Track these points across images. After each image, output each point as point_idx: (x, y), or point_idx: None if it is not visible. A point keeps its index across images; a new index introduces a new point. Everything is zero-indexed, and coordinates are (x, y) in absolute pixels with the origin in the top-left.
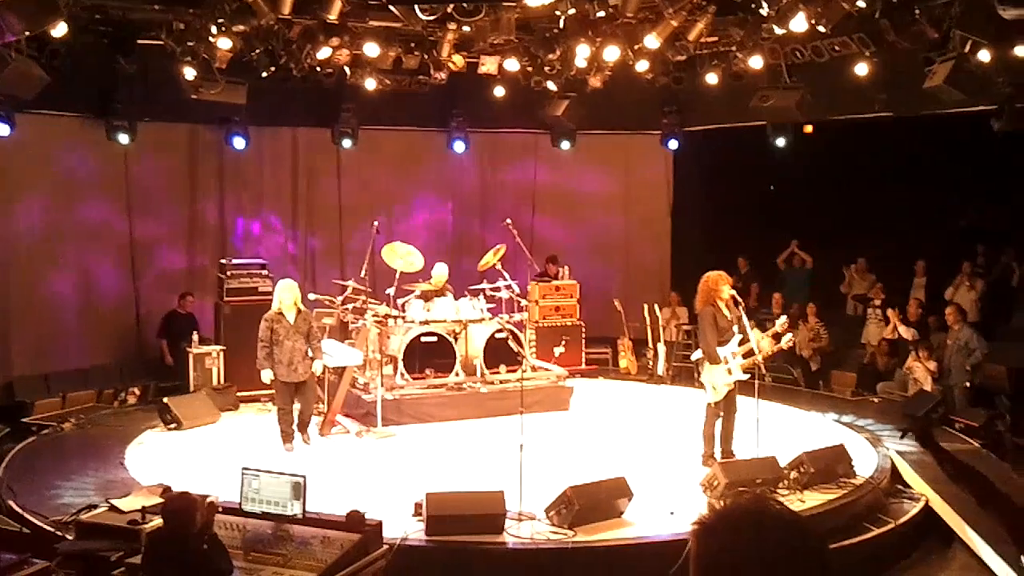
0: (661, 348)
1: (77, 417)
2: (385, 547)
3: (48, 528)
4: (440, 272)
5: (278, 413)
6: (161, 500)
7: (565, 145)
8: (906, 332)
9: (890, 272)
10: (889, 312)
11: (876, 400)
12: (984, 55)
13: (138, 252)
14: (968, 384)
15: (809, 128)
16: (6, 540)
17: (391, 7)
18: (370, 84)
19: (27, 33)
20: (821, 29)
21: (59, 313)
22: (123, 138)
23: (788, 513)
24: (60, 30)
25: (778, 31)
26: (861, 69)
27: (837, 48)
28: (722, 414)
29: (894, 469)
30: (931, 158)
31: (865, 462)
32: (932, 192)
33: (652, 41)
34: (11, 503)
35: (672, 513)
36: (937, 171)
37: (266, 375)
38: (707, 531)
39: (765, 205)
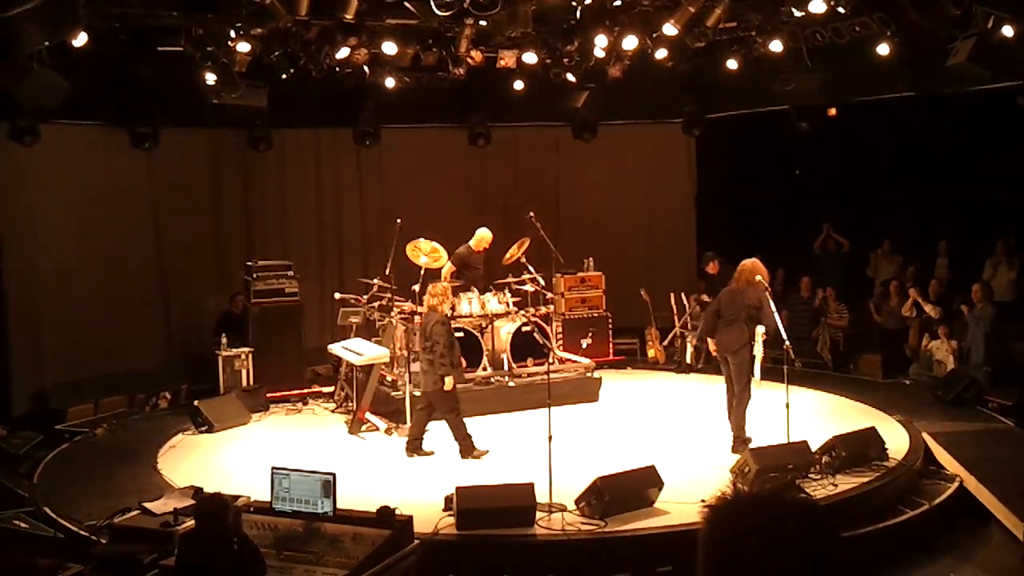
0: (689, 337)
1: (109, 422)
2: (416, 542)
3: (83, 532)
4: (483, 233)
5: (460, 419)
6: (193, 502)
7: (586, 136)
8: (932, 310)
9: (916, 254)
10: (911, 291)
11: (907, 382)
12: (1007, 30)
13: (165, 257)
14: (989, 368)
15: (833, 111)
16: (42, 545)
17: (407, 4)
18: (389, 83)
19: (47, 43)
20: (840, 10)
21: (89, 320)
22: (147, 145)
23: (800, 500)
24: (80, 40)
25: (797, 14)
26: (883, 49)
27: (857, 29)
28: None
29: (927, 450)
30: (956, 137)
31: (897, 444)
32: (958, 171)
33: (670, 28)
34: (46, 508)
35: (703, 501)
36: (962, 149)
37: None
38: (717, 516)
39: (790, 190)
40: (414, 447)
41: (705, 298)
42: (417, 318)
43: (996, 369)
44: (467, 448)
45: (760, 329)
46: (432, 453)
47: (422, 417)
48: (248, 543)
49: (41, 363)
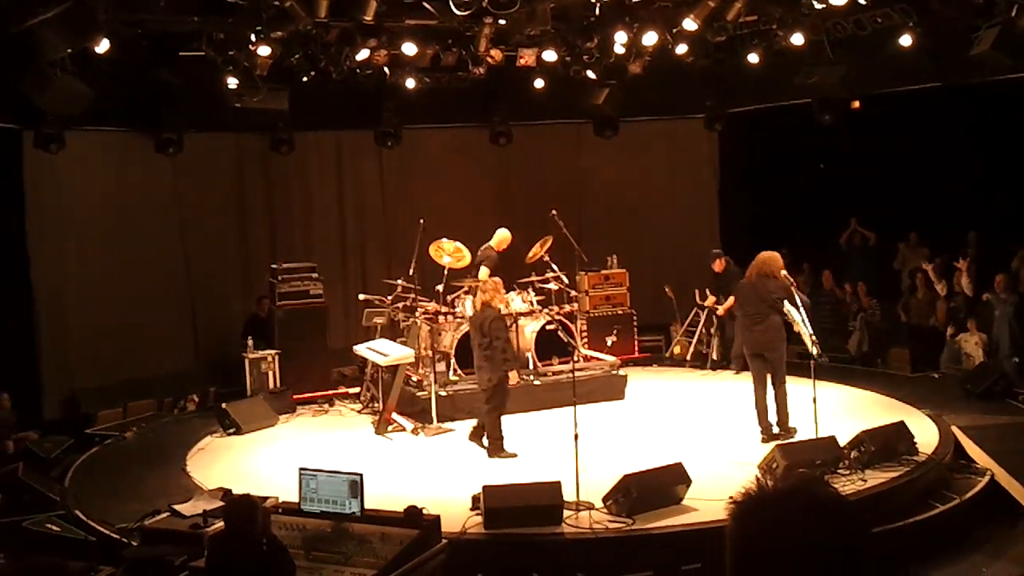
0: (714, 333)
1: (138, 426)
2: (444, 541)
3: (113, 535)
4: (505, 233)
5: (500, 419)
6: (222, 504)
7: (608, 133)
8: (967, 286)
9: (944, 246)
10: (959, 263)
11: (936, 376)
12: None
13: (191, 261)
14: (1017, 359)
15: (856, 103)
16: (73, 548)
17: (426, 4)
18: (410, 83)
19: (69, 51)
20: (862, 1)
21: (117, 325)
22: (171, 150)
23: (828, 495)
24: (103, 46)
25: (818, 6)
26: (905, 40)
27: (879, 20)
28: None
29: (957, 444)
30: (981, 126)
31: (927, 438)
32: (983, 161)
33: (690, 23)
34: (77, 512)
35: (731, 498)
36: (988, 139)
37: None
38: (744, 512)
39: (814, 184)
40: (496, 448)
41: (709, 298)
42: (441, 318)
43: None
44: (496, 448)
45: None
46: (516, 455)
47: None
48: (277, 544)
49: (71, 368)
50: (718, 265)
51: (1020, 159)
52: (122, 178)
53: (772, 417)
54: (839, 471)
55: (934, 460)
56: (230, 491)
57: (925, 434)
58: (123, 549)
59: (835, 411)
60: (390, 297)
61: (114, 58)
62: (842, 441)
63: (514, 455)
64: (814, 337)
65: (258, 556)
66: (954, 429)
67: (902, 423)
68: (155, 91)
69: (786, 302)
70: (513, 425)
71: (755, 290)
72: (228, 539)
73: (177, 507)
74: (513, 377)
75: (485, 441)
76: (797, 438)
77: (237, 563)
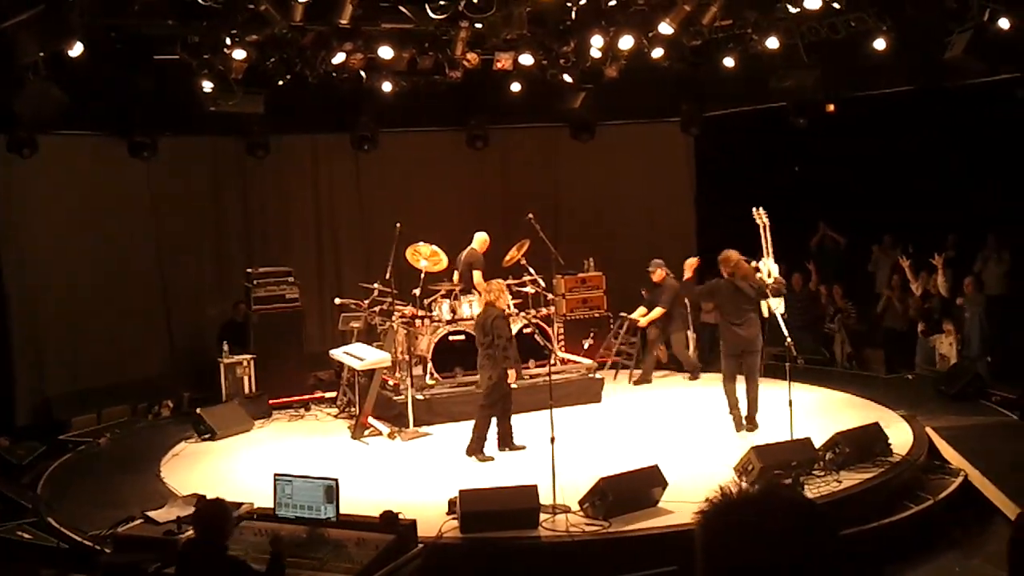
0: (691, 335)
1: (112, 432)
2: (420, 546)
3: (86, 542)
4: (484, 236)
5: (489, 420)
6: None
7: (584, 137)
8: (942, 285)
9: (919, 248)
10: (935, 259)
11: (910, 377)
12: (1004, 22)
13: (166, 266)
14: (989, 358)
15: (831, 107)
16: (46, 556)
17: (402, 8)
18: (386, 87)
19: (42, 54)
20: (836, 5)
21: (91, 330)
22: (145, 154)
23: (796, 498)
24: (77, 50)
25: (792, 10)
26: (879, 44)
27: (853, 23)
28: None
29: (931, 445)
30: (954, 129)
31: (901, 439)
32: (957, 165)
33: (666, 27)
34: (50, 519)
35: (708, 501)
36: (961, 142)
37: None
38: (712, 519)
39: (791, 187)
40: (476, 448)
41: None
42: (418, 322)
43: (998, 362)
44: (476, 448)
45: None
46: (524, 447)
47: (501, 416)
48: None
49: (44, 373)
50: (659, 276)
51: (993, 162)
52: (96, 182)
53: (743, 410)
54: (814, 472)
55: (908, 461)
56: (204, 496)
57: (899, 435)
58: (96, 556)
59: (810, 412)
60: (367, 301)
61: (88, 62)
62: (817, 443)
63: (491, 458)
64: (790, 340)
65: (227, 560)
66: (928, 430)
67: (876, 424)
68: (129, 95)
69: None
70: (490, 429)
71: (737, 291)
72: (198, 544)
73: (151, 514)
74: (512, 376)
75: (517, 441)
76: (771, 440)
77: (206, 568)
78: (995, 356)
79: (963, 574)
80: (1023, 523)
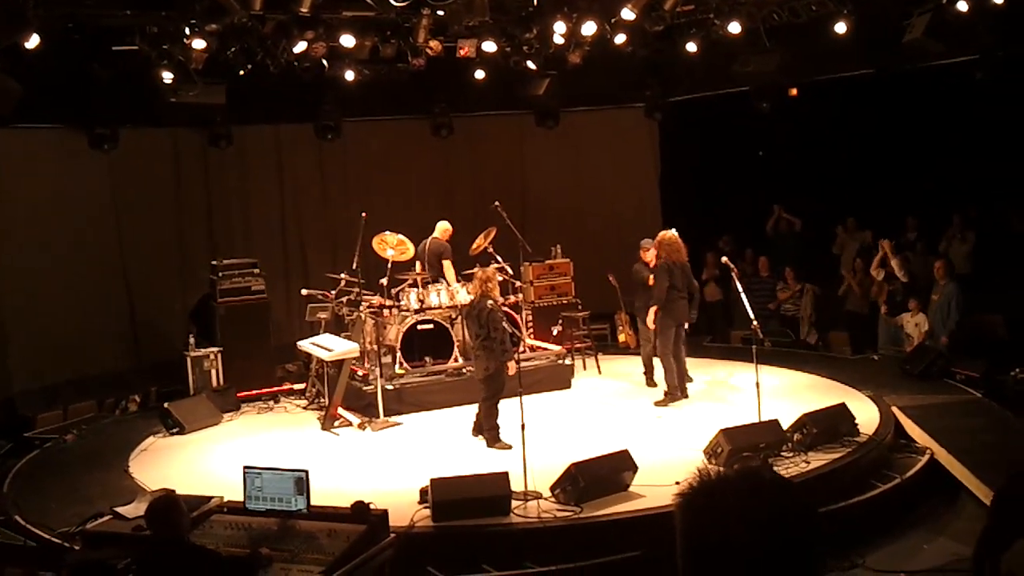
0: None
1: (79, 428)
2: (392, 536)
3: (55, 540)
4: (447, 224)
5: (496, 408)
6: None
7: (549, 124)
8: (898, 269)
9: (882, 231)
10: (882, 242)
11: (875, 358)
12: (962, 5)
13: (129, 259)
14: (945, 339)
15: (794, 91)
16: (13, 554)
17: None
18: (349, 75)
19: None
20: None
21: (54, 326)
22: (106, 146)
23: (774, 479)
24: (32, 41)
25: None
26: (840, 27)
27: (814, 7)
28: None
29: (897, 424)
30: (916, 112)
31: (867, 419)
32: (919, 146)
33: (628, 13)
34: (17, 517)
35: (678, 483)
36: (923, 125)
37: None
38: (691, 502)
39: (754, 171)
40: (492, 438)
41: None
42: (386, 311)
43: (961, 340)
44: (493, 438)
45: None
46: (511, 447)
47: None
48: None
49: (8, 370)
50: (651, 256)
51: (952, 144)
52: (56, 175)
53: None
54: (782, 454)
55: (875, 441)
56: (173, 491)
57: (866, 415)
58: (64, 554)
59: (777, 394)
60: (334, 291)
61: (44, 53)
62: (785, 424)
63: (509, 446)
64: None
65: (186, 552)
66: (894, 409)
67: (843, 405)
68: (88, 86)
69: None
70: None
71: (683, 269)
72: (155, 542)
73: (119, 510)
74: (512, 368)
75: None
76: (739, 422)
77: (166, 562)
78: (959, 335)
79: (931, 551)
80: (1016, 482)
